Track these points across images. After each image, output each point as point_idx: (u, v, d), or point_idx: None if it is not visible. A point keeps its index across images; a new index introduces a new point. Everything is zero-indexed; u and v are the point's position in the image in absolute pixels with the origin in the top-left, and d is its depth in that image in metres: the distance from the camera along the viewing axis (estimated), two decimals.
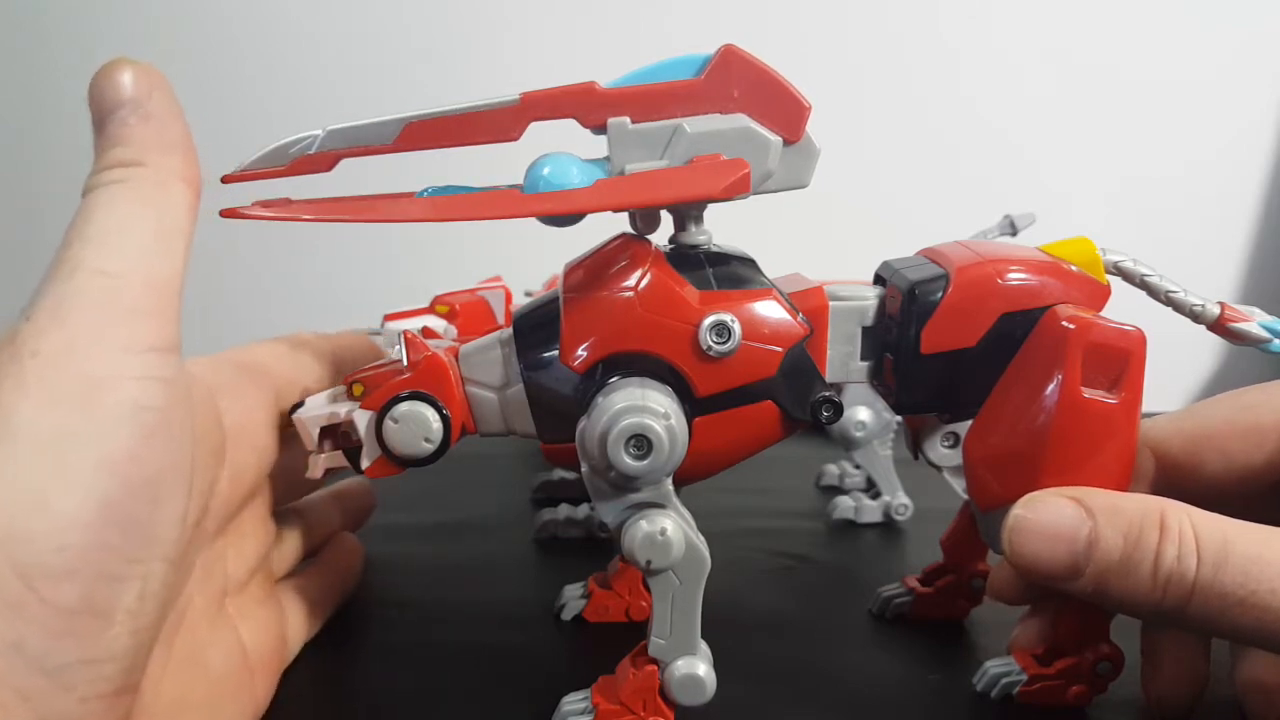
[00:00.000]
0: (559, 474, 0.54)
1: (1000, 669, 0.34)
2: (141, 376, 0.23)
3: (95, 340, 0.22)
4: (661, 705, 0.30)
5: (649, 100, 0.28)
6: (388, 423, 0.29)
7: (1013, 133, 0.84)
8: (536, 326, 0.30)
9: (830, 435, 0.49)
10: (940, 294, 0.30)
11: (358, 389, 0.30)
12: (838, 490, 0.56)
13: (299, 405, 0.30)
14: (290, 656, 0.35)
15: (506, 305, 0.52)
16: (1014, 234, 0.53)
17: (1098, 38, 0.83)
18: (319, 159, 0.27)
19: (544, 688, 0.33)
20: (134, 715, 0.24)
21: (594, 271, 0.30)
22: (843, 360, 0.32)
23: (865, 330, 0.32)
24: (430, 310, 0.51)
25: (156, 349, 0.23)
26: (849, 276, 0.36)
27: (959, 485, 0.35)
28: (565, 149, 0.28)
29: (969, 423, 0.31)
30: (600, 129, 0.28)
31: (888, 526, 0.52)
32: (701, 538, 0.29)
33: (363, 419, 0.29)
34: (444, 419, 0.29)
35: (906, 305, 0.30)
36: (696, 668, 0.30)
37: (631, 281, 0.29)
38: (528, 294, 0.59)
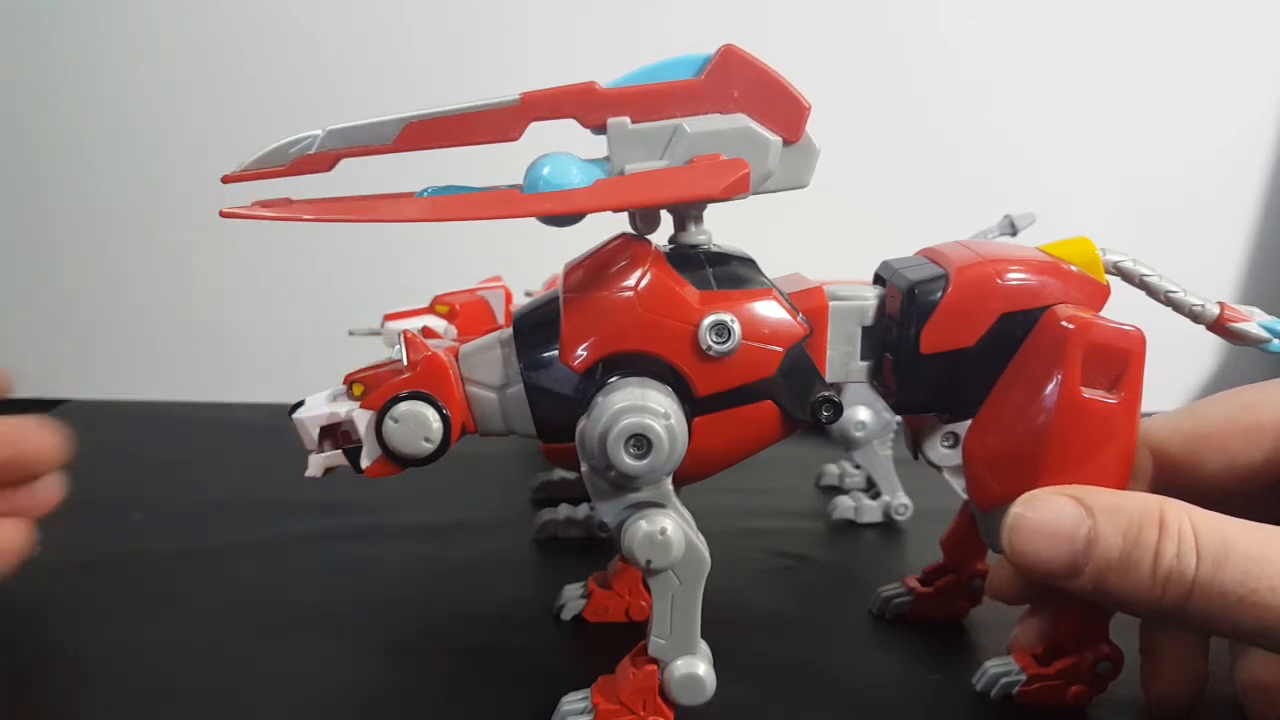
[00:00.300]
0: (559, 474, 0.54)
1: (1000, 669, 0.34)
2: None
3: None
4: (661, 705, 0.30)
5: (649, 100, 0.28)
6: (388, 422, 0.29)
7: (1013, 133, 0.84)
8: (536, 326, 0.30)
9: (830, 435, 0.49)
10: (940, 294, 0.30)
11: (357, 389, 0.30)
12: (838, 490, 0.56)
13: (299, 405, 0.30)
14: None
15: (506, 305, 0.52)
16: (1014, 234, 0.53)
17: (1098, 38, 0.83)
18: (319, 159, 0.27)
19: (544, 688, 0.33)
20: None
21: (594, 271, 0.30)
22: (843, 360, 0.32)
23: (865, 330, 0.32)
24: (430, 310, 0.51)
25: None
26: (849, 276, 0.36)
27: (959, 485, 0.35)
28: (565, 149, 0.28)
29: (969, 423, 0.31)
30: (600, 129, 0.28)
31: (888, 526, 0.52)
32: (701, 537, 0.29)
33: (363, 419, 0.29)
34: (444, 419, 0.29)
35: (906, 305, 0.30)
36: (696, 667, 0.30)
37: (631, 281, 0.29)
38: (528, 294, 0.59)
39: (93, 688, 0.35)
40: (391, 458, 0.29)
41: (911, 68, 0.83)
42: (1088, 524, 0.26)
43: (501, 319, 0.51)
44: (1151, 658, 0.33)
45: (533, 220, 0.28)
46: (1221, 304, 0.30)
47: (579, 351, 0.29)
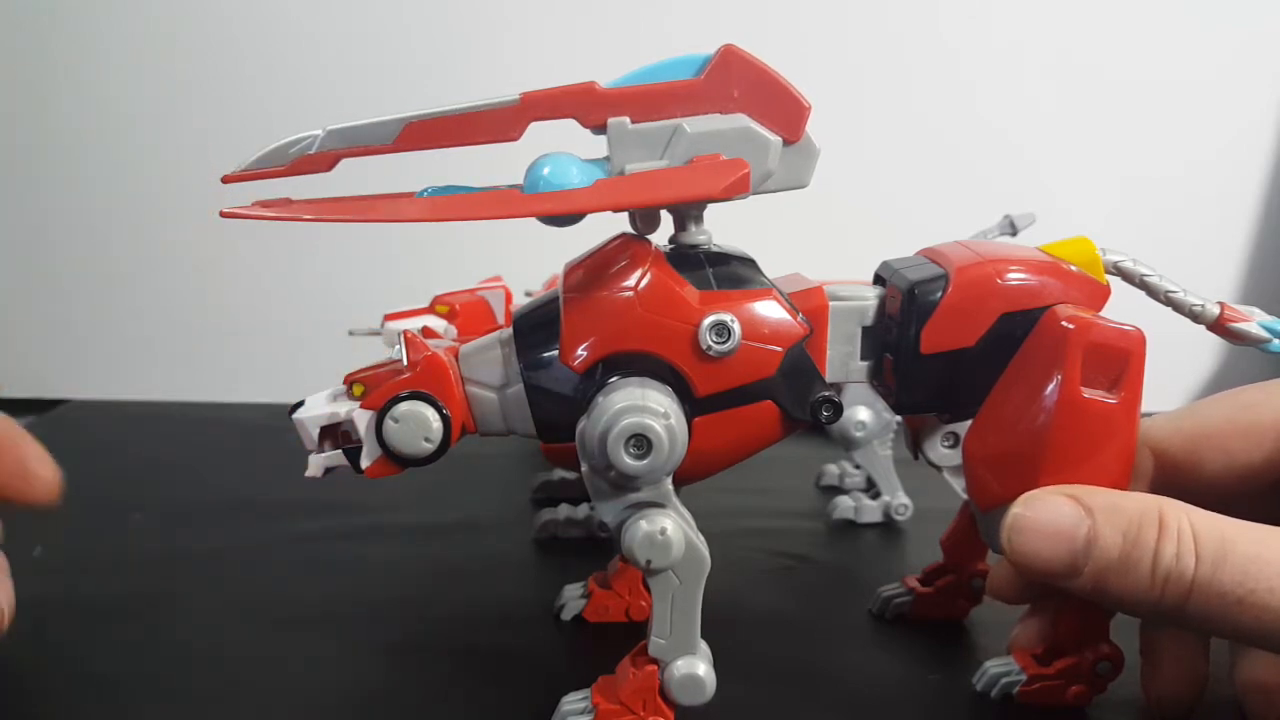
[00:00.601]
0: (559, 474, 0.54)
1: (1000, 669, 0.34)
2: None
3: None
4: (661, 705, 0.30)
5: (649, 100, 0.28)
6: (388, 422, 0.29)
7: (1013, 133, 0.84)
8: (536, 326, 0.30)
9: (830, 435, 0.49)
10: (940, 294, 0.30)
11: (358, 389, 0.30)
12: (838, 490, 0.56)
13: (299, 405, 0.30)
14: None
15: (506, 305, 0.52)
16: (1014, 234, 0.53)
17: (1098, 38, 0.83)
18: (319, 159, 0.27)
19: (544, 688, 0.33)
20: None
21: (594, 271, 0.30)
22: (843, 360, 0.32)
23: (865, 330, 0.32)
24: (430, 310, 0.51)
25: None
26: (849, 276, 0.36)
27: (959, 485, 0.35)
28: (565, 149, 0.28)
29: (969, 423, 0.31)
30: (600, 129, 0.28)
31: (888, 526, 0.52)
32: (701, 537, 0.29)
33: (363, 419, 0.29)
34: (444, 419, 0.29)
35: (906, 305, 0.30)
36: (696, 667, 0.30)
37: (631, 281, 0.29)
38: (528, 294, 0.59)
39: (93, 688, 0.35)
40: (392, 458, 0.29)
41: (911, 68, 0.83)
42: (1087, 524, 0.26)
43: (501, 319, 0.51)
44: (1151, 658, 0.33)
45: (533, 220, 0.28)
46: (1221, 304, 0.30)
47: (579, 351, 0.29)
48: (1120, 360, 0.28)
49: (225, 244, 0.80)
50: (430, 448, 0.29)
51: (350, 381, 0.30)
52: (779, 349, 0.30)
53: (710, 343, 0.29)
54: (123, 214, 0.82)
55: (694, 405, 0.30)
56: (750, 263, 0.32)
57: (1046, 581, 0.27)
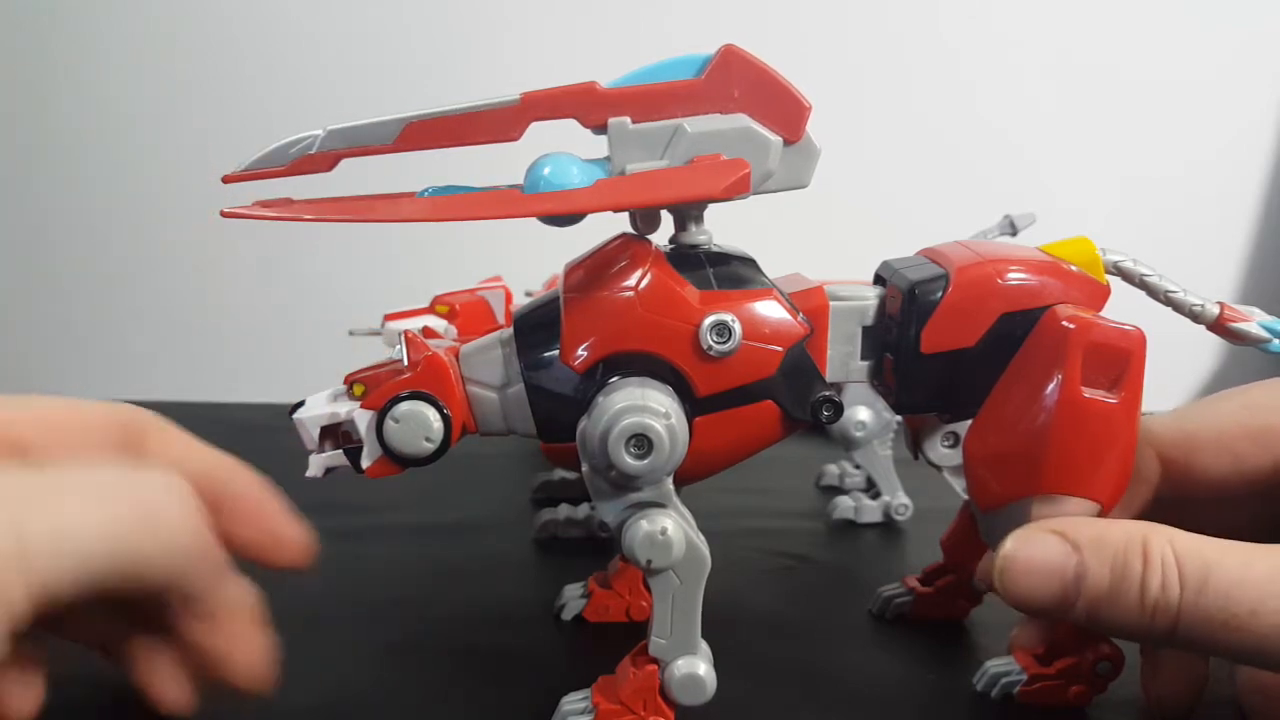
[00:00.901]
0: (559, 474, 0.54)
1: (1000, 669, 0.34)
2: None
3: None
4: (662, 705, 0.30)
5: (649, 100, 0.28)
6: (388, 422, 0.29)
7: (1013, 133, 0.84)
8: (537, 326, 0.30)
9: (830, 435, 0.49)
10: (940, 294, 0.30)
11: (358, 389, 0.30)
12: (838, 490, 0.56)
13: (300, 405, 0.30)
14: None
15: (506, 305, 0.52)
16: (1014, 234, 0.53)
17: (1098, 38, 0.83)
18: (319, 159, 0.27)
19: (544, 688, 0.33)
20: None
21: (594, 271, 0.30)
22: (843, 360, 0.32)
23: (865, 330, 0.32)
24: (430, 310, 0.51)
25: None
26: (849, 276, 0.36)
27: (959, 485, 0.35)
28: (566, 149, 0.28)
29: (969, 422, 0.31)
30: (601, 129, 0.28)
31: (888, 526, 0.52)
32: (702, 537, 0.29)
33: (363, 419, 0.29)
34: (444, 418, 0.29)
35: (906, 305, 0.30)
36: (697, 667, 0.30)
37: (632, 281, 0.29)
38: (528, 294, 0.59)
39: (91, 688, 0.34)
40: (392, 458, 0.29)
41: (911, 68, 0.83)
42: (1075, 559, 0.26)
43: (501, 319, 0.51)
44: (1151, 658, 0.33)
45: (532, 220, 0.28)
46: (1221, 304, 0.30)
47: (579, 351, 0.29)
48: (1121, 360, 0.28)
49: (225, 244, 0.80)
50: (431, 448, 0.29)
51: (351, 381, 0.30)
52: (779, 349, 0.30)
53: (711, 342, 0.29)
54: (123, 214, 0.82)
55: (694, 405, 0.30)
56: (751, 263, 0.32)
57: (1044, 617, 0.27)
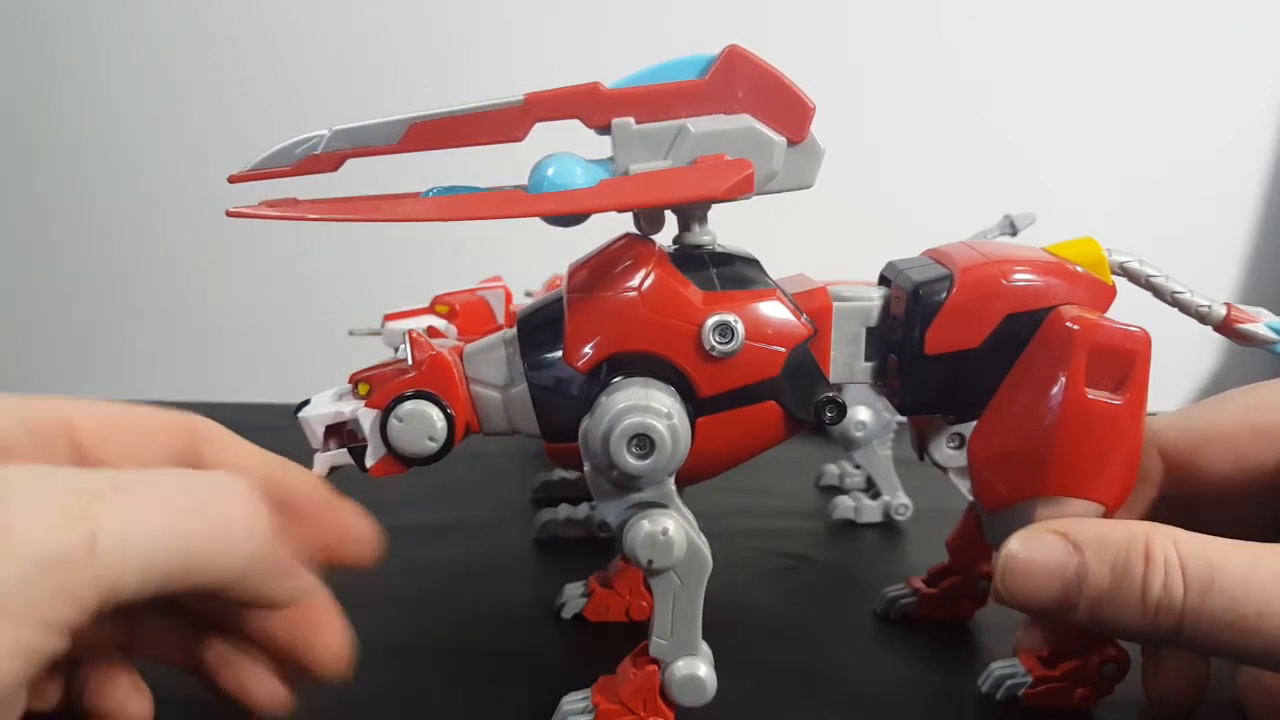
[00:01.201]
0: (559, 474, 0.54)
1: (1005, 671, 0.34)
2: None
3: None
4: (662, 705, 0.30)
5: (653, 101, 0.28)
6: (392, 421, 0.29)
7: (1013, 133, 0.84)
8: (540, 326, 0.30)
9: (830, 435, 0.49)
10: (945, 294, 0.30)
11: (363, 388, 0.30)
12: (838, 490, 0.56)
13: (304, 404, 0.30)
14: None
15: (506, 305, 0.52)
16: (1014, 234, 0.53)
17: (1098, 38, 0.83)
18: (324, 159, 0.27)
19: (544, 688, 0.33)
20: None
21: (598, 271, 0.30)
22: (847, 361, 0.32)
23: (869, 331, 0.32)
24: (430, 310, 0.51)
25: None
26: (848, 276, 0.36)
27: (964, 486, 0.35)
28: (570, 149, 0.28)
29: (974, 424, 0.31)
30: (605, 129, 0.28)
31: (888, 526, 0.52)
32: (703, 538, 0.29)
33: (367, 418, 0.29)
34: (448, 418, 0.29)
35: (911, 306, 0.30)
36: (697, 668, 0.30)
37: (635, 282, 0.29)
38: (528, 294, 0.59)
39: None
40: (396, 457, 0.29)
41: (911, 68, 0.83)
42: (1076, 559, 0.26)
43: (502, 319, 0.51)
44: (1153, 658, 0.33)
45: (533, 220, 0.27)
46: (1229, 305, 0.30)
47: (583, 351, 0.29)
48: (1126, 361, 0.28)
49: (225, 244, 0.80)
50: (434, 447, 0.29)
51: (355, 380, 0.30)
52: (783, 349, 0.30)
53: (714, 343, 0.29)
54: (123, 214, 0.82)
55: (697, 405, 0.30)
56: (754, 263, 0.32)
57: (1046, 618, 0.27)
